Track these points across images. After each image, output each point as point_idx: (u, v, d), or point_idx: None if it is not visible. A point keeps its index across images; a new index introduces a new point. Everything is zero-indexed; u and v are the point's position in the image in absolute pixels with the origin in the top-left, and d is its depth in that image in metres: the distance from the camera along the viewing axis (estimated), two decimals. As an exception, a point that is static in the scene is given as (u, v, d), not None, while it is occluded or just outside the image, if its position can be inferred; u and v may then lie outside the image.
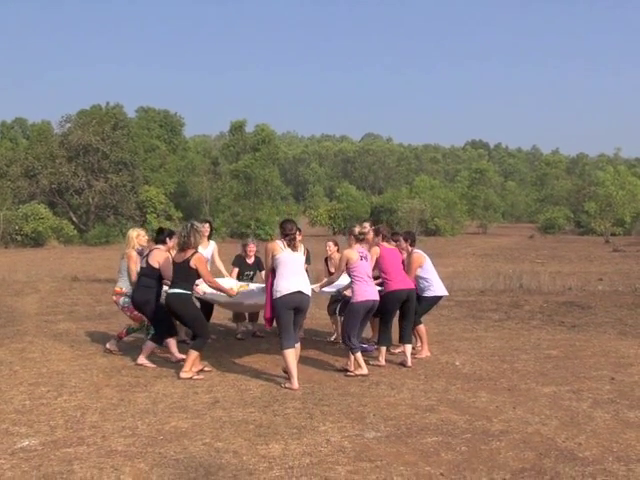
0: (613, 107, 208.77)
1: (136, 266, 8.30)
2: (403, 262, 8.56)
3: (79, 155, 45.30)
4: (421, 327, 8.82)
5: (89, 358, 8.30)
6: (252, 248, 10.08)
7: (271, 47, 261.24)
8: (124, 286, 8.48)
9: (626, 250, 34.76)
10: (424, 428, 5.69)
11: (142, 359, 7.93)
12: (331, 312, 9.73)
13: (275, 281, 7.17)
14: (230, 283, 8.86)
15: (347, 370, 7.69)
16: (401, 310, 8.31)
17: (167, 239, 8.28)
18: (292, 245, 7.24)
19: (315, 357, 8.61)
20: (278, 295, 7.09)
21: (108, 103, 55.49)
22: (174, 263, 7.65)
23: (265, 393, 6.76)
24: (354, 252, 7.71)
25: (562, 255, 31.13)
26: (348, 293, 8.14)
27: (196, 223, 7.84)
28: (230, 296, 8.11)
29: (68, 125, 48.13)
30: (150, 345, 8.02)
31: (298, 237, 7.56)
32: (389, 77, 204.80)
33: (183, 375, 7.31)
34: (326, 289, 8.51)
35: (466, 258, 28.74)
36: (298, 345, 7.31)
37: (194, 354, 7.42)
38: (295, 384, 6.97)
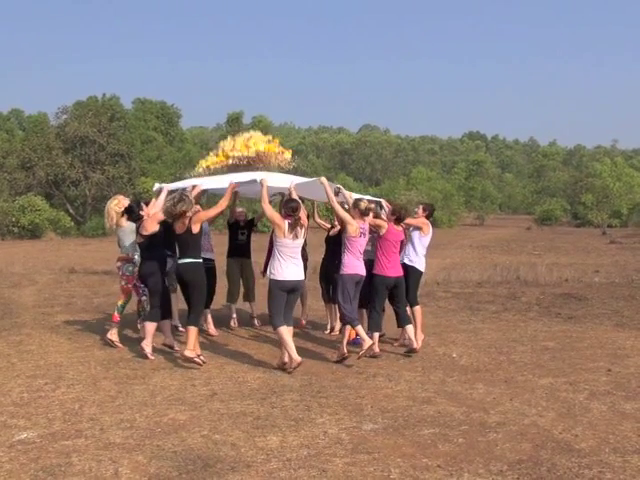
0: (610, 99, 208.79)
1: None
2: (402, 243, 8.51)
3: (76, 147, 45.12)
4: (417, 308, 8.77)
5: (87, 350, 8.31)
6: (242, 212, 10.34)
7: (268, 39, 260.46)
8: (130, 251, 8.48)
9: (623, 242, 34.77)
10: (421, 420, 5.71)
11: (147, 344, 7.86)
12: (326, 299, 9.77)
13: (272, 262, 7.45)
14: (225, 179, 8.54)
15: (344, 358, 7.70)
16: (391, 295, 8.31)
17: (141, 211, 8.23)
18: (294, 232, 7.32)
19: (312, 349, 8.63)
20: (273, 277, 7.37)
21: (104, 95, 55.35)
22: (176, 235, 7.65)
23: (263, 385, 6.78)
24: (355, 226, 7.74)
25: (559, 247, 31.15)
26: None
27: (186, 191, 7.73)
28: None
29: (64, 117, 47.90)
30: (149, 326, 7.94)
31: (303, 219, 7.50)
32: (386, 69, 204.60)
33: (187, 353, 7.40)
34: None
35: (463, 249, 28.75)
36: (290, 328, 7.50)
37: (194, 329, 7.53)
38: (296, 357, 7.18)
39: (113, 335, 8.53)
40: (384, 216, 8.59)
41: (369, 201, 8.31)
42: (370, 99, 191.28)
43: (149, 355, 7.83)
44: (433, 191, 59.15)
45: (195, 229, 7.55)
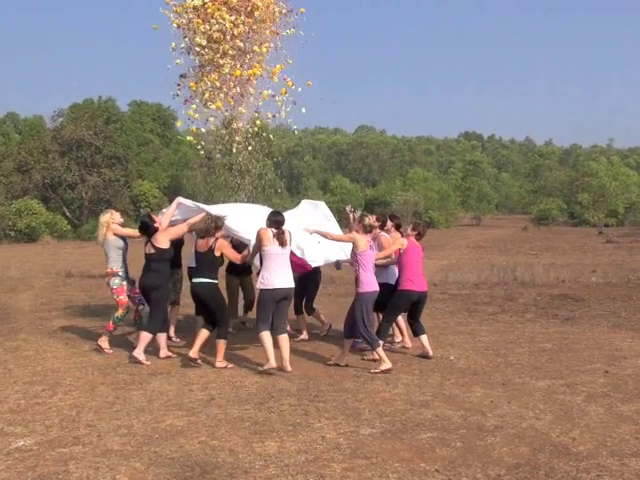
0: (606, 98, 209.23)
1: (126, 229, 8.74)
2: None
3: (72, 150, 45.08)
4: (399, 318, 8.87)
5: (84, 356, 8.29)
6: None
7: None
8: (114, 266, 8.52)
9: (619, 241, 34.85)
10: (419, 424, 5.71)
11: (139, 352, 7.87)
12: (299, 311, 9.68)
13: (262, 273, 7.52)
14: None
15: (338, 365, 7.75)
16: (411, 309, 8.37)
17: (155, 225, 8.29)
18: (281, 240, 7.47)
19: (311, 352, 8.63)
20: (264, 287, 7.46)
21: (100, 97, 55.34)
22: (197, 252, 7.86)
23: (260, 390, 6.78)
24: (364, 240, 7.74)
25: (556, 246, 31.19)
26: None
27: (217, 214, 8.00)
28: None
29: (60, 119, 47.94)
30: (146, 336, 7.97)
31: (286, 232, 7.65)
32: (382, 69, 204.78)
33: (218, 365, 7.65)
34: (321, 261, 8.61)
35: (460, 250, 28.79)
36: (286, 336, 7.63)
37: (223, 342, 7.74)
38: (273, 363, 7.35)
39: (104, 342, 8.49)
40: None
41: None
42: (366, 100, 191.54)
43: (143, 361, 7.82)
44: (430, 192, 59.27)
45: (217, 253, 7.68)
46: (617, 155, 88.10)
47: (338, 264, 9.27)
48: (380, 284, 8.03)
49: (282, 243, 7.49)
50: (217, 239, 7.73)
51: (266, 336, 7.47)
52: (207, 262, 7.73)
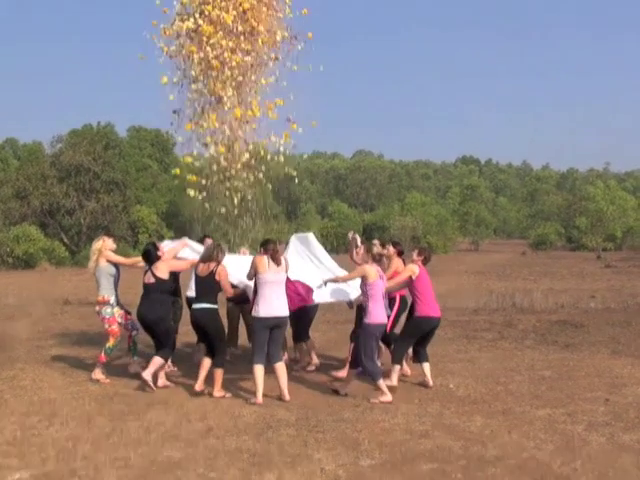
0: (602, 122, 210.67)
1: (119, 257, 8.79)
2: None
3: (70, 175, 45.14)
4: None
5: (81, 385, 8.23)
6: (245, 252, 10.19)
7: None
8: (105, 294, 8.49)
9: (618, 266, 34.86)
10: (419, 455, 5.66)
11: (147, 374, 7.80)
12: (297, 339, 9.55)
13: (256, 300, 7.49)
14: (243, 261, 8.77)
15: (337, 392, 7.70)
16: (422, 335, 8.31)
17: (158, 253, 8.30)
18: (275, 259, 7.47)
19: (309, 380, 8.57)
20: (257, 315, 7.43)
21: (99, 123, 55.51)
22: (197, 276, 7.85)
23: (259, 420, 6.72)
24: (373, 270, 7.66)
25: (554, 272, 31.17)
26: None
27: (222, 244, 8.13)
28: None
29: (59, 145, 48.08)
30: (158, 360, 7.95)
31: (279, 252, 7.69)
32: (380, 94, 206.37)
33: (216, 394, 7.59)
34: (329, 298, 8.55)
35: (459, 276, 28.73)
36: (282, 364, 7.59)
37: (220, 371, 7.68)
38: (259, 399, 7.30)
39: (98, 374, 8.43)
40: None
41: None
42: (364, 124, 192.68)
43: (150, 384, 7.76)
44: (428, 216, 59.33)
45: (217, 277, 7.68)
46: (614, 179, 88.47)
47: (350, 303, 9.15)
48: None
49: (277, 262, 7.46)
50: (219, 264, 7.73)
51: (258, 370, 7.40)
52: (207, 287, 7.72)
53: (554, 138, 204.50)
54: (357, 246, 8.98)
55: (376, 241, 9.53)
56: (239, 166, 9.45)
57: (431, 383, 8.13)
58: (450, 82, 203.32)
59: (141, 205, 49.55)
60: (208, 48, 9.10)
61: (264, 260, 7.47)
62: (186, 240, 8.91)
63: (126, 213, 46.70)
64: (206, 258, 7.82)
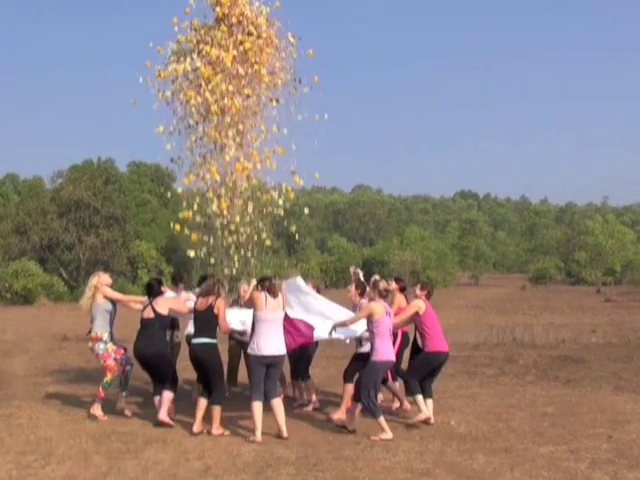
0: (600, 156, 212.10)
1: (117, 293, 8.76)
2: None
3: (70, 210, 45.28)
4: (395, 384, 8.84)
5: (78, 423, 8.14)
6: (245, 289, 10.14)
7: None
8: (99, 330, 8.46)
9: (618, 300, 34.79)
10: (421, 494, 5.57)
11: (163, 415, 7.82)
12: (295, 377, 9.50)
13: (254, 337, 7.45)
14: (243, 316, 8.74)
15: (345, 427, 7.63)
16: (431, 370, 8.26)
17: (161, 288, 8.35)
18: (272, 292, 7.47)
19: (309, 417, 8.49)
20: (253, 353, 7.41)
21: (100, 158, 55.83)
22: (196, 311, 7.79)
23: (258, 458, 6.63)
24: (380, 306, 7.60)
25: (554, 306, 31.09)
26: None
27: (220, 279, 8.13)
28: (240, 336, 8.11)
29: (60, 180, 48.31)
30: (168, 396, 7.91)
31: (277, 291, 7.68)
32: (378, 129, 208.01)
33: (215, 432, 7.49)
34: (334, 334, 8.50)
35: (459, 310, 28.64)
36: (279, 400, 7.51)
37: (218, 408, 7.59)
38: (258, 436, 7.23)
39: (96, 410, 8.37)
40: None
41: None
42: (363, 159, 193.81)
43: (170, 423, 7.81)
44: (427, 251, 59.40)
45: (216, 311, 7.65)
46: (612, 213, 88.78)
47: (351, 339, 9.07)
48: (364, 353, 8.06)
49: (275, 295, 7.44)
50: (218, 298, 7.70)
51: (257, 407, 7.35)
52: (206, 321, 7.67)
53: (552, 172, 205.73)
54: (359, 280, 8.99)
55: (377, 276, 9.50)
56: (238, 219, 9.30)
57: (432, 420, 8.05)
58: (448, 118, 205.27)
59: (140, 240, 49.58)
60: (207, 94, 8.97)
61: (262, 297, 7.44)
62: (190, 297, 8.81)
63: (125, 248, 46.72)
64: (205, 293, 7.79)
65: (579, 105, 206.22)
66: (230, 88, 9.05)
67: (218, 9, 9.34)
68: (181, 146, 9.42)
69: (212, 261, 9.59)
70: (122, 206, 47.80)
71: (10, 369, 12.67)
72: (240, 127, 9.19)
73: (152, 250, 48.47)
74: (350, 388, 8.40)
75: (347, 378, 8.43)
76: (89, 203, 45.11)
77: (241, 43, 9.26)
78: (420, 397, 8.00)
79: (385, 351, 7.54)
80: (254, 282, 8.22)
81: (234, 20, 9.29)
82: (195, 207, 9.34)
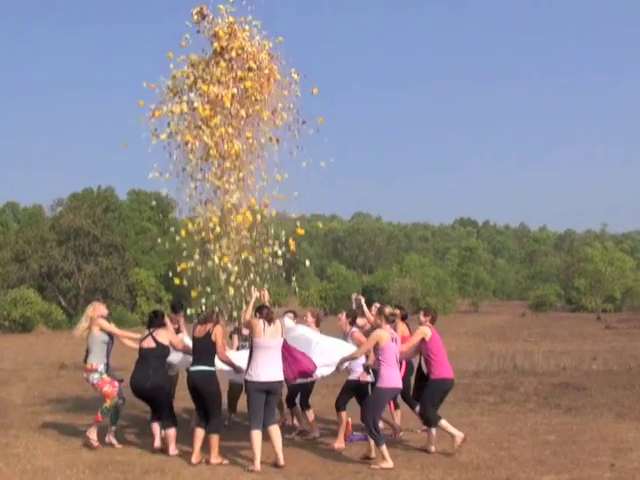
0: (599, 184, 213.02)
1: (113, 327, 8.64)
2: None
3: (70, 238, 45.34)
4: (398, 412, 8.82)
5: (75, 452, 8.05)
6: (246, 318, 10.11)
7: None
8: (94, 362, 8.42)
9: (618, 327, 34.70)
10: (422, 524, 5.50)
11: (173, 450, 7.82)
12: (291, 404, 9.40)
13: (251, 364, 7.41)
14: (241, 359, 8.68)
15: (368, 457, 7.56)
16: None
17: (163, 318, 8.34)
18: (270, 319, 7.45)
19: (309, 445, 8.42)
20: (250, 379, 7.35)
21: (100, 186, 56.07)
22: (194, 338, 7.76)
23: (257, 488, 6.55)
24: (386, 333, 7.54)
25: (555, 333, 31.00)
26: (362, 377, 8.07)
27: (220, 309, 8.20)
28: (236, 372, 8.02)
29: (60, 209, 48.45)
30: (172, 432, 7.89)
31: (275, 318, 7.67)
32: (377, 156, 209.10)
33: (213, 461, 7.43)
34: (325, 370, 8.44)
35: (459, 338, 28.54)
36: (277, 427, 7.45)
37: (216, 437, 7.51)
38: (257, 466, 7.14)
39: (92, 433, 8.31)
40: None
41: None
42: (362, 187, 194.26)
43: (177, 452, 7.80)
44: (427, 278, 59.35)
45: (213, 338, 7.62)
46: (611, 240, 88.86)
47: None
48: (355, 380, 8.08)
49: (270, 320, 7.42)
50: (216, 325, 7.68)
51: (256, 436, 7.27)
52: (204, 348, 7.63)
53: (551, 200, 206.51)
54: (360, 307, 8.99)
55: (377, 304, 9.53)
56: (237, 269, 9.09)
57: (433, 449, 7.97)
58: (447, 145, 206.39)
59: (140, 268, 49.55)
60: (205, 138, 8.74)
61: (260, 324, 7.41)
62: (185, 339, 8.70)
63: (124, 276, 46.69)
64: (203, 320, 7.78)
65: (577, 133, 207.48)
66: (230, 130, 8.82)
67: (216, 44, 9.20)
68: (178, 189, 9.25)
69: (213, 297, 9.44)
70: (121, 234, 47.89)
71: (7, 398, 12.58)
72: (241, 174, 8.96)
73: (151, 278, 48.43)
74: (344, 416, 8.38)
75: (340, 407, 8.45)
76: (89, 231, 45.20)
77: (241, 80, 9.06)
78: (444, 422, 7.92)
79: (391, 378, 7.47)
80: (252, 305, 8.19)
81: (233, 54, 9.13)
82: (196, 257, 9.12)
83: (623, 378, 14.14)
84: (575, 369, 15.89)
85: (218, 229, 8.99)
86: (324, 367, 8.20)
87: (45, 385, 14.38)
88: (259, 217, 9.27)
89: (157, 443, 8.01)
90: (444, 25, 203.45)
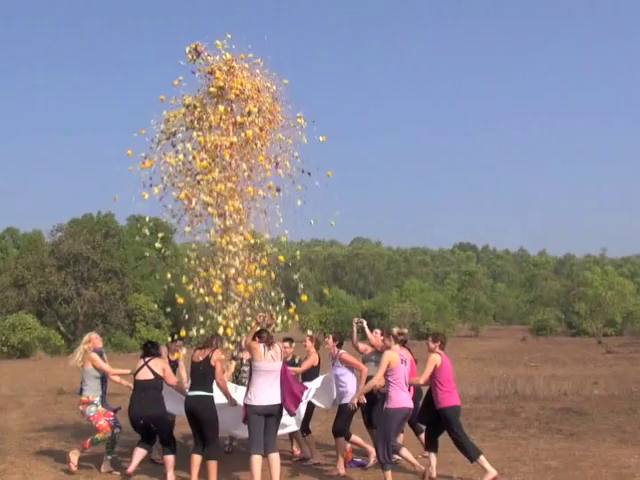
0: (598, 208, 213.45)
1: (104, 364, 8.56)
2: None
3: (69, 264, 45.30)
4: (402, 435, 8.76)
5: (72, 479, 7.97)
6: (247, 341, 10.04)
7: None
8: (90, 394, 8.40)
9: (619, 351, 34.56)
10: None
11: (171, 476, 7.77)
12: (304, 430, 9.18)
13: (250, 388, 7.38)
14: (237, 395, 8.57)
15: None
16: (439, 424, 8.10)
17: (159, 350, 8.33)
18: (270, 344, 7.42)
19: (310, 471, 8.35)
20: (248, 402, 7.31)
21: (99, 212, 56.16)
22: (193, 363, 7.72)
23: (256, 515, 6.47)
24: (396, 354, 7.50)
25: (555, 358, 30.86)
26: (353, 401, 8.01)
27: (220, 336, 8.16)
28: (230, 404, 7.93)
29: (59, 234, 48.44)
30: (171, 459, 7.83)
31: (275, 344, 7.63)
32: (377, 181, 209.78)
33: None
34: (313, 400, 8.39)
35: (459, 362, 28.34)
36: (276, 455, 7.35)
37: (214, 463, 7.45)
38: None
39: (74, 456, 8.28)
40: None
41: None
42: (361, 212, 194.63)
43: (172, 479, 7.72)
44: (426, 303, 59.19)
45: (212, 363, 7.59)
46: (611, 264, 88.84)
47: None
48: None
49: (271, 345, 7.39)
50: (215, 350, 7.66)
51: (256, 461, 7.20)
52: (202, 373, 7.59)
53: (550, 224, 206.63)
54: (360, 331, 8.95)
55: (378, 330, 9.54)
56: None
57: (434, 474, 7.89)
58: (445, 171, 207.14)
59: (139, 293, 49.44)
60: (204, 196, 8.36)
61: (260, 348, 7.39)
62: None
63: (124, 301, 46.56)
64: (202, 345, 7.77)
65: (576, 156, 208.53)
66: (230, 185, 8.44)
67: (213, 86, 8.73)
68: (175, 216, 8.98)
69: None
70: (121, 259, 47.82)
71: (4, 424, 12.49)
72: (243, 235, 8.61)
73: (150, 303, 48.28)
74: (342, 442, 8.31)
75: (337, 433, 8.41)
76: (88, 256, 45.16)
77: (241, 125, 8.60)
78: (482, 458, 7.83)
79: (399, 399, 7.41)
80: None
81: (232, 96, 8.70)
82: (205, 323, 8.83)
83: (625, 403, 14.06)
84: (576, 394, 15.79)
85: (220, 291, 8.68)
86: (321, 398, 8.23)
87: (43, 411, 14.28)
88: (264, 272, 8.89)
89: (131, 468, 7.97)
90: (442, 70, 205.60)
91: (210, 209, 8.49)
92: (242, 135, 8.63)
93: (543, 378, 18.61)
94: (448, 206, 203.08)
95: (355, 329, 9.50)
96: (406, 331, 8.32)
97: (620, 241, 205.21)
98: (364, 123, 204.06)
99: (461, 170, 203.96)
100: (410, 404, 7.59)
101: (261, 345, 7.41)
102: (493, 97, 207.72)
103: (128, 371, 8.59)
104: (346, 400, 8.28)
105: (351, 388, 8.35)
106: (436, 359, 8.01)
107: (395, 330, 7.75)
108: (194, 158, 8.50)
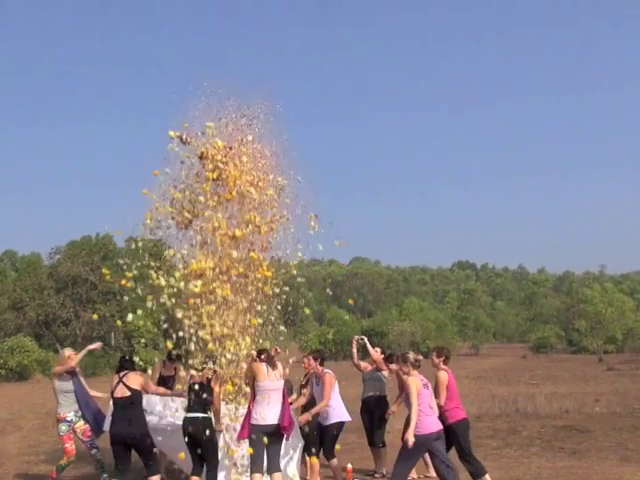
0: (597, 225, 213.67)
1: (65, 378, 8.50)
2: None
3: (68, 286, 45.21)
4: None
5: (70, 503, 7.89)
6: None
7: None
8: (61, 411, 8.36)
9: (620, 368, 34.41)
10: None
11: None
12: (309, 453, 8.81)
13: (255, 407, 7.30)
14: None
15: None
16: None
17: (133, 364, 8.04)
18: (272, 364, 7.41)
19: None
20: (256, 422, 7.25)
21: (98, 234, 56.15)
22: (191, 384, 7.60)
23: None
24: (417, 380, 7.21)
25: (556, 375, 30.71)
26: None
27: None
28: (217, 430, 7.80)
29: (57, 256, 48.40)
30: (156, 479, 7.61)
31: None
32: (375, 201, 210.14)
33: None
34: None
35: (460, 381, 28.07)
36: (280, 475, 7.27)
37: None
38: None
39: None
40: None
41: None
42: (360, 232, 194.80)
43: None
44: (426, 321, 59.06)
45: (213, 384, 7.55)
46: (610, 281, 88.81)
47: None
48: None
49: (274, 366, 7.37)
50: (215, 371, 7.62)
51: (255, 479, 7.12)
52: (201, 395, 7.50)
53: (549, 241, 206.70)
54: (359, 349, 8.92)
55: (378, 349, 9.52)
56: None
57: None
58: (444, 188, 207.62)
59: (138, 314, 49.14)
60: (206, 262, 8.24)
61: (262, 368, 7.34)
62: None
63: (122, 323, 46.38)
64: (202, 365, 7.73)
65: (574, 174, 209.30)
66: (235, 254, 8.22)
67: (206, 187, 8.30)
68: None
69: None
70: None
71: (2, 447, 12.40)
72: (244, 304, 8.37)
73: (149, 324, 48.09)
74: (335, 463, 8.24)
75: (329, 455, 8.36)
76: (86, 278, 45.08)
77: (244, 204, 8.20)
78: (487, 477, 7.75)
79: (427, 424, 7.04)
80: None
81: (228, 195, 8.33)
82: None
83: (627, 420, 13.96)
84: (578, 412, 15.68)
85: (226, 356, 8.28)
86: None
87: (41, 434, 14.17)
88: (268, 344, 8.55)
89: None
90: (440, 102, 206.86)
91: (210, 345, 8.17)
92: (248, 222, 8.28)
93: (544, 396, 18.50)
94: (447, 224, 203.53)
95: (355, 347, 9.45)
96: (421, 357, 8.05)
97: (619, 258, 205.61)
98: (363, 144, 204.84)
99: (459, 188, 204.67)
100: (438, 426, 7.20)
101: (263, 365, 7.37)
102: (490, 114, 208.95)
103: (100, 394, 8.62)
104: (330, 421, 8.29)
105: (336, 407, 8.38)
106: (443, 376, 7.90)
107: (412, 357, 7.45)
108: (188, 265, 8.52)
